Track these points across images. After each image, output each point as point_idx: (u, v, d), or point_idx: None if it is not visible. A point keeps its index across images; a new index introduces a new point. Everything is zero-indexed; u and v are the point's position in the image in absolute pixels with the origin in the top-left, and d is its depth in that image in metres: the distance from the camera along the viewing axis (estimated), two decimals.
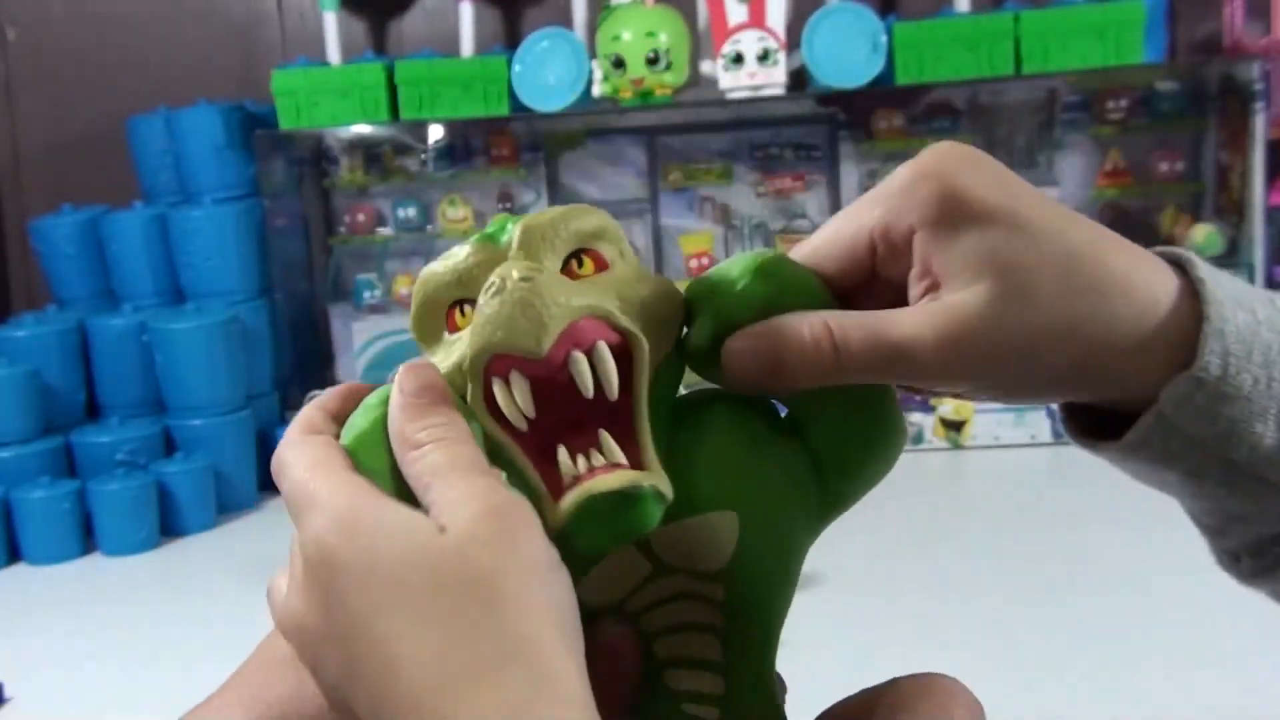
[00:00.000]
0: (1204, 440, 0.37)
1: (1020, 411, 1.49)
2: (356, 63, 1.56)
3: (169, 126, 1.60)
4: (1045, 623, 0.97)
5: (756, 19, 1.45)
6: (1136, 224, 1.62)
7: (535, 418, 0.36)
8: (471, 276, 0.37)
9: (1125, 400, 0.37)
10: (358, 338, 1.63)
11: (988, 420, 1.50)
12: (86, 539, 1.36)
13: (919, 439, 1.51)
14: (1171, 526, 1.33)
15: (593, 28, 1.51)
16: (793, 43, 1.47)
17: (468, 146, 1.69)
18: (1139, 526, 1.20)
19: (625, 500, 0.35)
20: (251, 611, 1.25)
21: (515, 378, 0.35)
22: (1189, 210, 1.58)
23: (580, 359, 0.35)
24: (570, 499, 0.35)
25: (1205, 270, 0.37)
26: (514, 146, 1.68)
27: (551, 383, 0.35)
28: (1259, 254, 1.47)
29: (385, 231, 1.71)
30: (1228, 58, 1.54)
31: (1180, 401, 0.36)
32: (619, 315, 0.36)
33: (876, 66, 1.46)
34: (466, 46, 1.58)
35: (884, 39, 1.46)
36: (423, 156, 1.69)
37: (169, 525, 1.39)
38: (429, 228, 1.70)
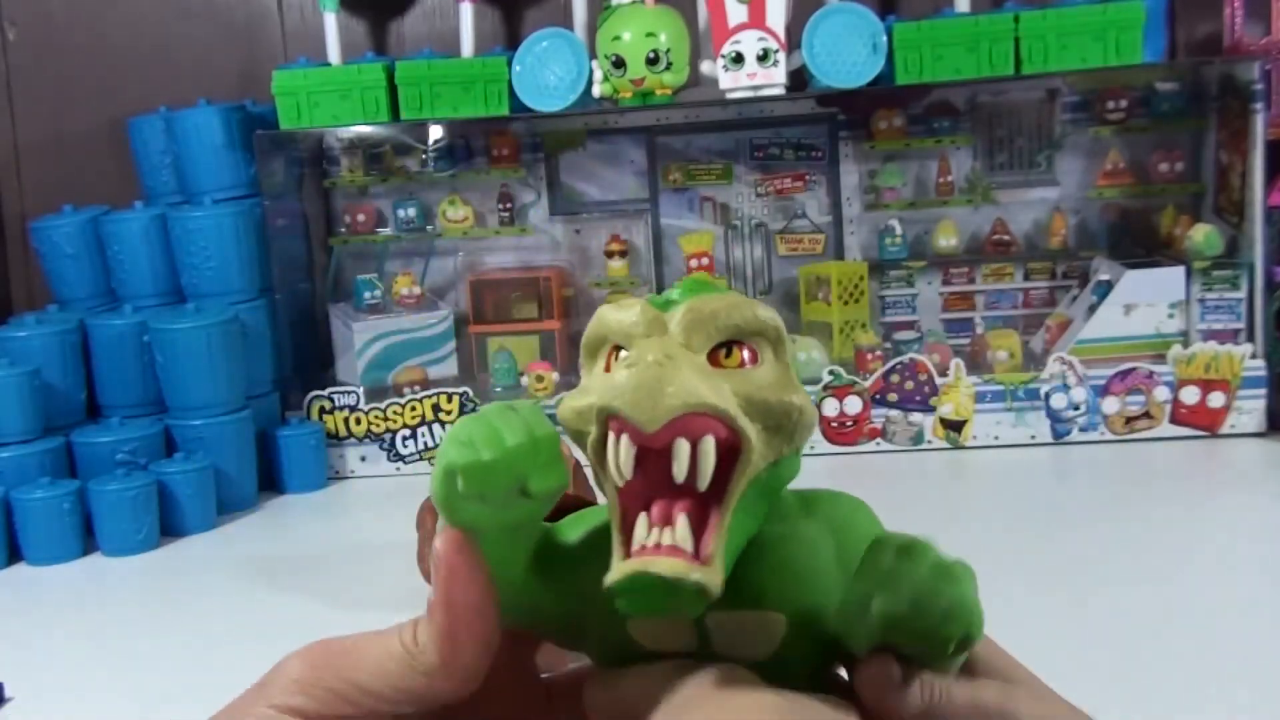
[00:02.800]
0: None
1: (1020, 411, 1.50)
2: (356, 63, 1.56)
3: (169, 126, 1.60)
4: (1046, 622, 0.96)
5: (756, 19, 1.45)
6: (1136, 224, 1.62)
7: (632, 479, 0.38)
8: (630, 335, 0.39)
9: None
10: (358, 338, 1.63)
11: (987, 420, 1.50)
12: (86, 539, 1.36)
13: (919, 439, 1.51)
14: (1171, 527, 1.34)
15: (593, 28, 1.51)
16: (793, 43, 1.47)
17: (468, 146, 1.69)
18: (1139, 526, 1.21)
19: (669, 587, 0.37)
20: (251, 611, 1.26)
21: (623, 441, 0.38)
22: (1189, 210, 1.58)
23: (682, 447, 0.37)
24: (626, 566, 0.37)
25: None
26: (514, 146, 1.68)
27: (656, 453, 0.38)
28: (1259, 254, 1.47)
29: (385, 231, 1.71)
30: (1228, 58, 1.54)
31: None
32: (737, 416, 0.38)
33: (876, 66, 1.46)
34: (466, 46, 1.58)
35: (884, 39, 1.46)
36: (423, 156, 1.69)
37: (169, 525, 1.39)
38: (429, 228, 1.70)
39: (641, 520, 0.38)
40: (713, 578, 0.37)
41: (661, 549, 0.37)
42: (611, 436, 0.38)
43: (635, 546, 0.38)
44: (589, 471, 0.41)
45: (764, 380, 0.39)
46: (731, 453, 0.38)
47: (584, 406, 0.39)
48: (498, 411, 0.39)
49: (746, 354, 0.39)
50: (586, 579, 0.40)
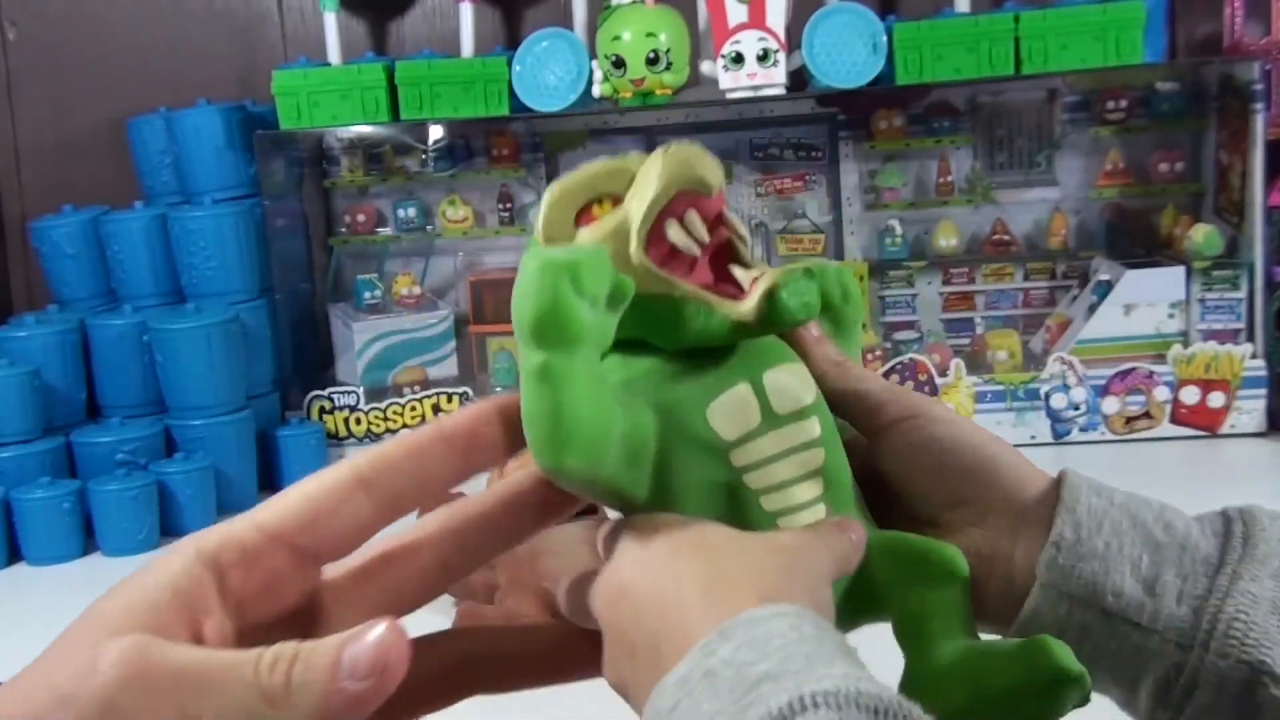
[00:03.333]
0: (1076, 596, 0.47)
1: (1020, 412, 1.50)
2: (356, 63, 1.56)
3: (169, 126, 1.60)
4: None
5: (756, 19, 1.45)
6: (1136, 224, 1.62)
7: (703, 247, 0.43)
8: (600, 183, 0.44)
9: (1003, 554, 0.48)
10: (358, 338, 1.63)
11: (988, 421, 1.50)
12: (86, 539, 1.36)
13: None
14: None
15: (593, 28, 1.51)
16: (793, 43, 1.47)
17: (468, 146, 1.69)
18: None
19: (810, 275, 0.44)
20: None
21: (692, 214, 0.43)
22: (1189, 210, 1.58)
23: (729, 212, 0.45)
24: (774, 276, 0.43)
25: (1075, 473, 0.49)
26: (514, 146, 1.68)
27: (712, 224, 0.44)
28: (1259, 254, 1.47)
29: (385, 231, 1.71)
30: (1228, 58, 1.54)
31: (1048, 564, 0.46)
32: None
33: (876, 66, 1.46)
34: (466, 46, 1.58)
35: (884, 39, 1.46)
36: (423, 156, 1.69)
37: (169, 525, 1.39)
38: (429, 228, 1.70)
39: (736, 268, 0.44)
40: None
41: (766, 273, 0.43)
42: (672, 222, 0.43)
43: (747, 282, 0.43)
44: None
45: None
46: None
47: (611, 229, 0.43)
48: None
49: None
50: (662, 390, 0.44)
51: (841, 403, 0.48)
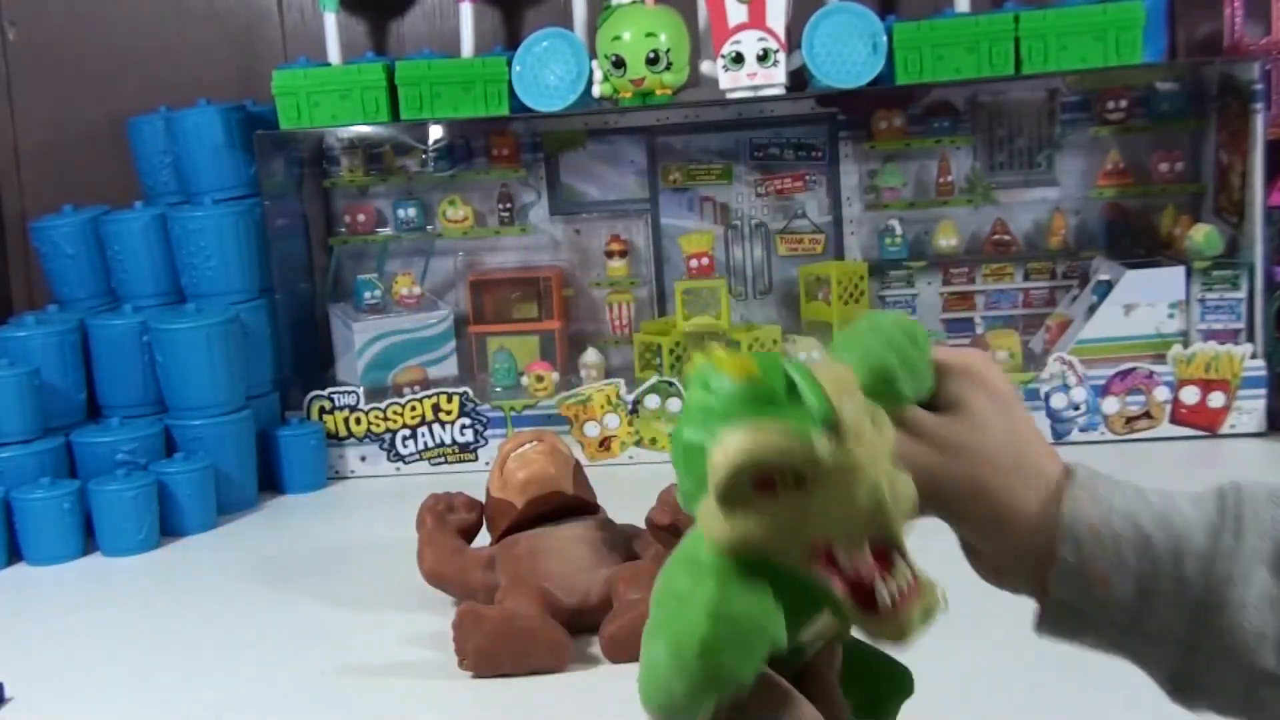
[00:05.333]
0: (1085, 605, 0.50)
1: None
2: (356, 63, 1.56)
3: (169, 126, 1.60)
4: None
5: (756, 19, 1.45)
6: (1136, 224, 1.62)
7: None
8: (778, 457, 0.46)
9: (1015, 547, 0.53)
10: (358, 338, 1.63)
11: None
12: (86, 539, 1.36)
13: None
14: None
15: (593, 28, 1.51)
16: (793, 43, 1.47)
17: (468, 146, 1.69)
18: None
19: (935, 605, 0.49)
20: (251, 611, 1.26)
21: (880, 583, 0.47)
22: (1189, 210, 1.58)
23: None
24: (916, 610, 0.48)
25: (1083, 475, 0.53)
26: (514, 146, 1.68)
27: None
28: (1259, 254, 1.47)
29: (385, 231, 1.71)
30: (1228, 58, 1.54)
31: (1054, 583, 0.51)
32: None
33: (876, 66, 1.46)
34: (466, 46, 1.58)
35: (884, 39, 1.46)
36: (423, 156, 1.69)
37: (169, 525, 1.39)
38: (429, 228, 1.70)
39: (879, 585, 0.47)
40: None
41: (906, 593, 0.48)
42: (879, 581, 0.47)
43: (885, 604, 0.47)
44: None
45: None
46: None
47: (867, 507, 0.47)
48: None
49: None
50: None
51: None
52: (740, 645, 0.46)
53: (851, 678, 0.53)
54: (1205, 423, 1.47)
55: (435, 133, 1.67)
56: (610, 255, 1.68)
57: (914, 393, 0.54)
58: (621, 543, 1.07)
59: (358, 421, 1.57)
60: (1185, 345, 1.48)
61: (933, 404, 0.54)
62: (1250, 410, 1.46)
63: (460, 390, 1.57)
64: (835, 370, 0.48)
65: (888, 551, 0.47)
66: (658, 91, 1.48)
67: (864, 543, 0.47)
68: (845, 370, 0.49)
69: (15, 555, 1.35)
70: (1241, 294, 1.49)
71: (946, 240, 1.63)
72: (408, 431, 1.57)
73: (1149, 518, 0.51)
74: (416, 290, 1.67)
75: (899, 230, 1.63)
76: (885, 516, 0.47)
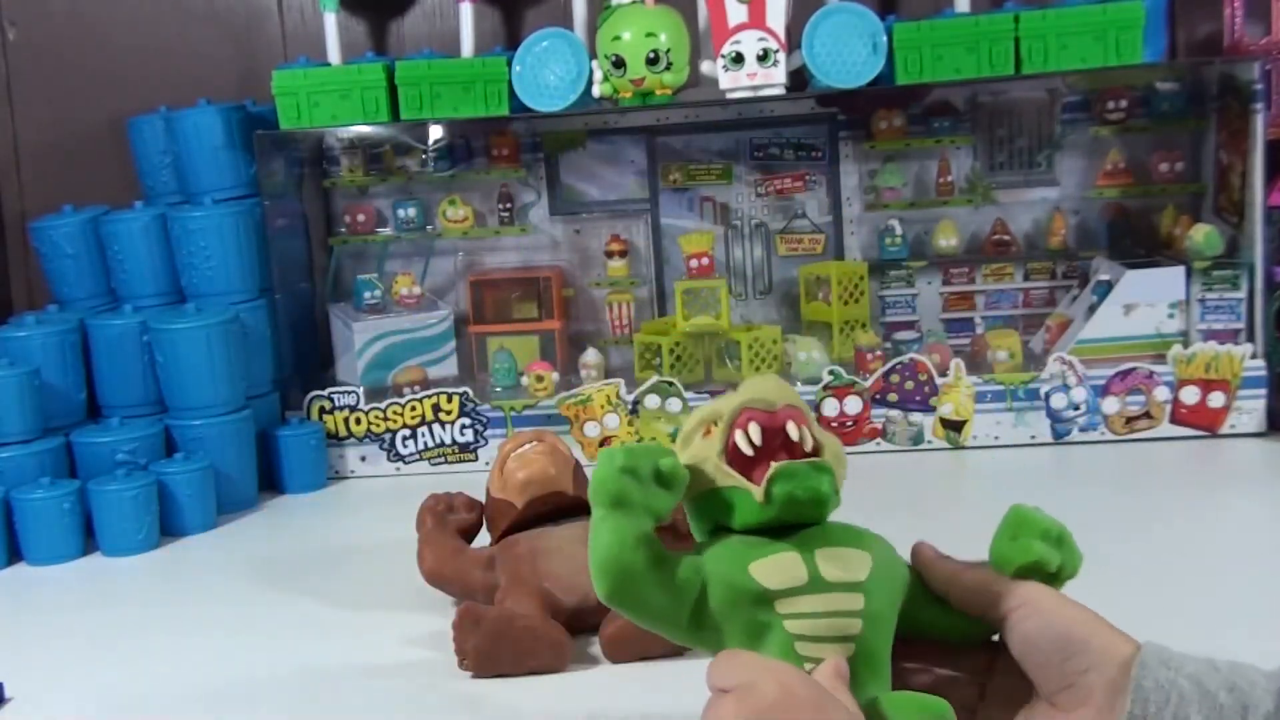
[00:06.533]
0: None
1: (1020, 412, 1.50)
2: (356, 63, 1.56)
3: (169, 126, 1.60)
4: None
5: (756, 19, 1.45)
6: (1136, 224, 1.62)
7: (759, 448, 0.61)
8: (719, 414, 0.63)
9: None
10: (358, 338, 1.63)
11: (987, 420, 1.50)
12: (86, 539, 1.36)
13: (919, 439, 1.51)
14: (1171, 527, 1.34)
15: (593, 28, 1.51)
16: (793, 43, 1.47)
17: (468, 146, 1.69)
18: (1139, 526, 1.21)
19: (812, 466, 0.60)
20: (251, 611, 1.26)
21: (753, 425, 0.61)
22: (1189, 210, 1.58)
23: (794, 426, 0.62)
24: (773, 468, 0.59)
25: (1153, 646, 0.59)
26: (514, 146, 1.68)
27: (773, 433, 0.61)
28: (1259, 254, 1.47)
29: (385, 231, 1.71)
30: (1228, 58, 1.54)
31: None
32: (820, 431, 0.64)
33: (876, 66, 1.46)
34: (466, 46, 1.58)
35: (884, 39, 1.46)
36: (423, 156, 1.69)
37: (169, 525, 1.39)
38: (429, 228, 1.70)
39: (771, 464, 0.60)
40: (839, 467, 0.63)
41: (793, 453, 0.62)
42: (739, 431, 0.61)
43: (771, 470, 0.60)
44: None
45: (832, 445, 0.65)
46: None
47: (712, 425, 0.63)
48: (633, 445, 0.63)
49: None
50: (719, 551, 0.62)
51: (965, 598, 0.63)
52: (637, 471, 0.61)
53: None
54: (1205, 423, 1.47)
55: (435, 133, 1.67)
56: (610, 255, 1.68)
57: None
58: None
59: (358, 421, 1.57)
60: (1185, 345, 1.48)
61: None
62: (1250, 410, 1.46)
63: (460, 390, 1.57)
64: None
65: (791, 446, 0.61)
66: (658, 91, 1.48)
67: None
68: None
69: (15, 555, 1.35)
70: (1241, 294, 1.49)
71: (946, 240, 1.63)
72: (408, 431, 1.57)
73: (1216, 681, 0.54)
74: (416, 290, 1.67)
75: (899, 230, 1.63)
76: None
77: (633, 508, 0.60)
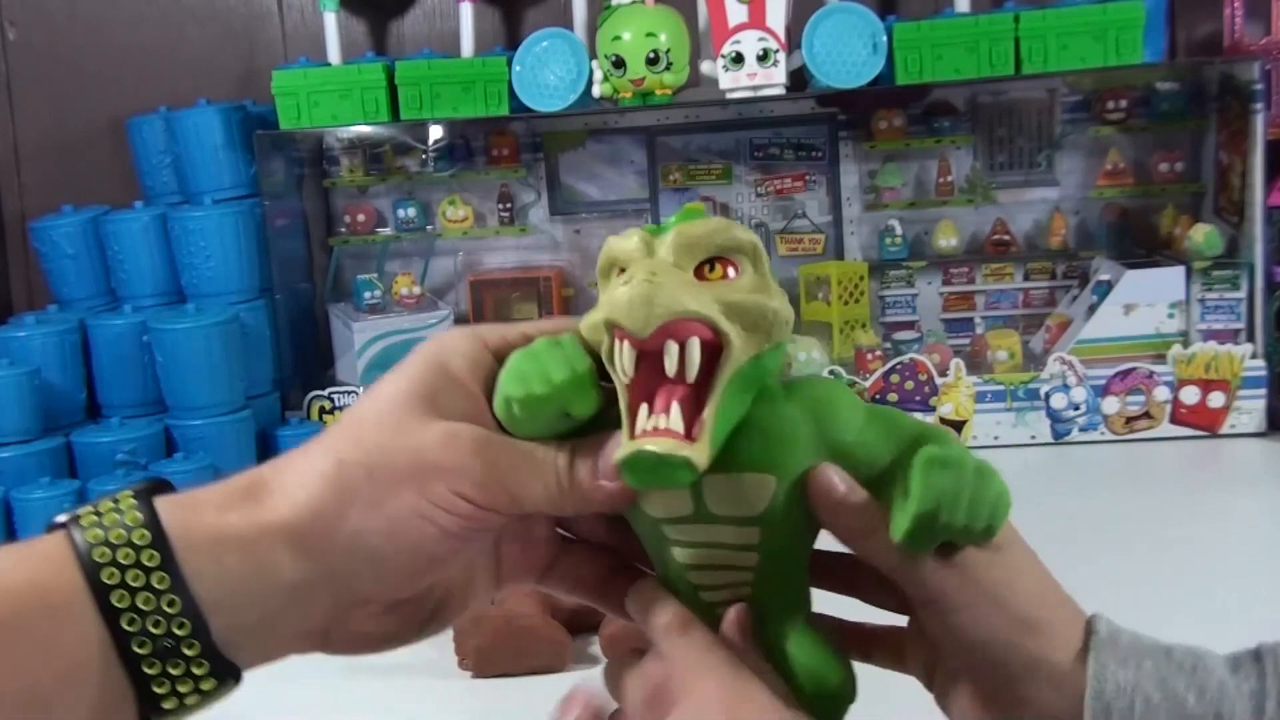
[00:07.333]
0: None
1: (1020, 411, 1.50)
2: (356, 63, 1.56)
3: (169, 126, 1.60)
4: None
5: (756, 19, 1.45)
6: (1136, 224, 1.62)
7: (635, 376, 0.46)
8: (629, 258, 0.47)
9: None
10: (358, 338, 1.63)
11: (987, 420, 1.50)
12: None
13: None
14: (1171, 527, 1.34)
15: (593, 28, 1.51)
16: (793, 43, 1.47)
17: (468, 146, 1.69)
18: (1139, 526, 1.21)
19: (662, 462, 0.45)
20: None
21: (624, 346, 0.46)
22: (1189, 210, 1.58)
23: (671, 348, 0.45)
24: (628, 446, 0.45)
25: (1104, 630, 0.50)
26: (514, 146, 1.68)
27: (653, 355, 0.46)
28: (1259, 254, 1.47)
29: (385, 231, 1.71)
30: (1228, 58, 1.54)
31: None
32: (718, 318, 0.45)
33: (876, 66, 1.46)
34: (466, 46, 1.58)
35: (884, 39, 1.46)
36: (423, 156, 1.69)
37: None
38: (429, 228, 1.70)
39: (643, 410, 0.46)
40: (699, 453, 0.45)
41: (658, 431, 0.45)
42: (616, 343, 0.46)
43: (637, 431, 0.46)
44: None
45: (742, 288, 0.47)
46: (717, 351, 0.46)
47: (596, 321, 0.47)
48: (546, 348, 0.48)
49: (732, 270, 0.47)
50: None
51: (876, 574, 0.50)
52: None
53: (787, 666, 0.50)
54: (1205, 423, 1.47)
55: (435, 133, 1.67)
56: None
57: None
58: None
59: None
60: (1185, 345, 1.48)
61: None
62: (1250, 410, 1.46)
63: None
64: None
65: (701, 395, 0.46)
66: (658, 91, 1.48)
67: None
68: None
69: None
70: (1241, 294, 1.49)
71: (946, 240, 1.63)
72: None
73: (1181, 681, 0.48)
74: (416, 290, 1.67)
75: (899, 230, 1.63)
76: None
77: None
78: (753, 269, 0.47)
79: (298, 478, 0.47)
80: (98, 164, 1.74)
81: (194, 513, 0.44)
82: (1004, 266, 1.65)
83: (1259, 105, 1.43)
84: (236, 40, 1.74)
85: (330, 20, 1.58)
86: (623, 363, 0.46)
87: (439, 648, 0.97)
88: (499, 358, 0.49)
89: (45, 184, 1.77)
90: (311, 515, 0.45)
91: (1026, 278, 1.65)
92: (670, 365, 0.45)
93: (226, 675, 0.44)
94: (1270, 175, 1.46)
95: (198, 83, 1.68)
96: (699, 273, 0.47)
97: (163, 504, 0.44)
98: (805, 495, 0.48)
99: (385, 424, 0.47)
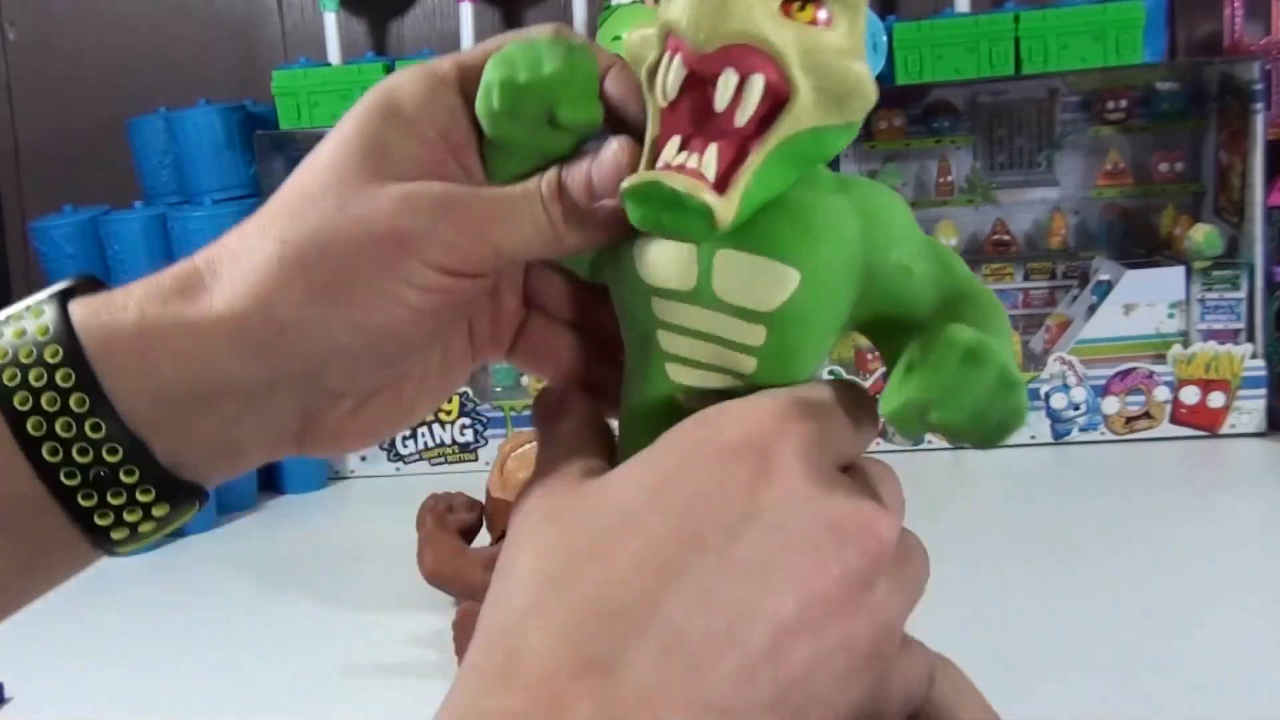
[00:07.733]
0: None
1: None
2: (357, 63, 1.56)
3: (169, 126, 1.60)
4: (1045, 621, 0.96)
5: None
6: (1136, 224, 1.62)
7: (675, 101, 0.38)
8: None
9: None
10: None
11: None
12: None
13: (919, 439, 1.51)
14: (1171, 527, 1.34)
15: (593, 28, 1.51)
16: None
17: None
18: (1139, 526, 1.21)
19: (678, 199, 0.37)
20: (251, 611, 1.25)
21: (676, 60, 0.38)
22: (1189, 210, 1.58)
23: (730, 77, 0.37)
24: (645, 174, 0.38)
25: None
26: None
27: (703, 81, 0.37)
28: (1259, 254, 1.47)
29: None
30: (1228, 58, 1.54)
31: None
32: (792, 64, 0.37)
33: (876, 66, 1.46)
34: (467, 46, 1.58)
35: (884, 39, 1.46)
36: None
37: None
38: None
39: (674, 141, 0.38)
40: (724, 208, 0.37)
41: (684, 169, 0.38)
42: (666, 55, 0.38)
43: (660, 163, 0.38)
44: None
45: (831, 42, 0.38)
46: (778, 104, 0.38)
47: (647, 34, 0.40)
48: (548, 39, 0.41)
49: (822, 13, 0.38)
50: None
51: None
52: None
53: None
54: (1205, 423, 1.47)
55: None
56: None
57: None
58: None
59: None
60: (1185, 345, 1.48)
61: None
62: (1250, 410, 1.47)
63: (460, 390, 1.56)
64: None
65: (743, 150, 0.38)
66: None
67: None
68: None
69: None
70: (1241, 294, 1.49)
71: (946, 240, 1.63)
72: (407, 431, 1.57)
73: None
74: None
75: None
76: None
77: (514, 149, 0.43)
78: (848, 22, 0.39)
79: (236, 266, 0.41)
80: (98, 164, 1.74)
81: (116, 316, 0.39)
82: (1004, 266, 1.65)
83: (1259, 105, 1.43)
84: (236, 40, 1.74)
85: (330, 20, 1.58)
86: (666, 81, 0.38)
87: (439, 648, 0.97)
88: (465, 92, 0.42)
89: (45, 184, 1.77)
90: (257, 308, 0.39)
91: (1026, 278, 1.65)
92: (722, 100, 0.37)
93: (181, 497, 0.39)
94: (1270, 175, 1.46)
95: (198, 83, 1.68)
96: (785, 9, 0.38)
97: (80, 309, 0.38)
98: (829, 307, 0.41)
99: (330, 193, 0.39)
